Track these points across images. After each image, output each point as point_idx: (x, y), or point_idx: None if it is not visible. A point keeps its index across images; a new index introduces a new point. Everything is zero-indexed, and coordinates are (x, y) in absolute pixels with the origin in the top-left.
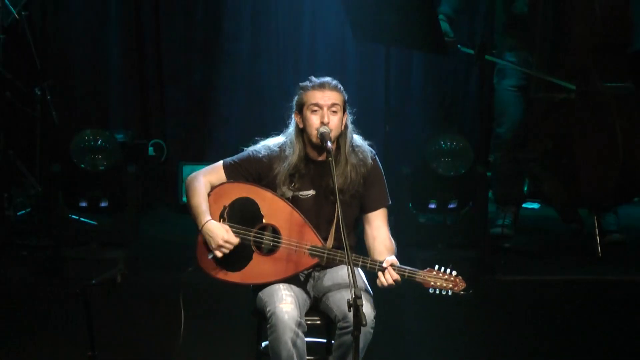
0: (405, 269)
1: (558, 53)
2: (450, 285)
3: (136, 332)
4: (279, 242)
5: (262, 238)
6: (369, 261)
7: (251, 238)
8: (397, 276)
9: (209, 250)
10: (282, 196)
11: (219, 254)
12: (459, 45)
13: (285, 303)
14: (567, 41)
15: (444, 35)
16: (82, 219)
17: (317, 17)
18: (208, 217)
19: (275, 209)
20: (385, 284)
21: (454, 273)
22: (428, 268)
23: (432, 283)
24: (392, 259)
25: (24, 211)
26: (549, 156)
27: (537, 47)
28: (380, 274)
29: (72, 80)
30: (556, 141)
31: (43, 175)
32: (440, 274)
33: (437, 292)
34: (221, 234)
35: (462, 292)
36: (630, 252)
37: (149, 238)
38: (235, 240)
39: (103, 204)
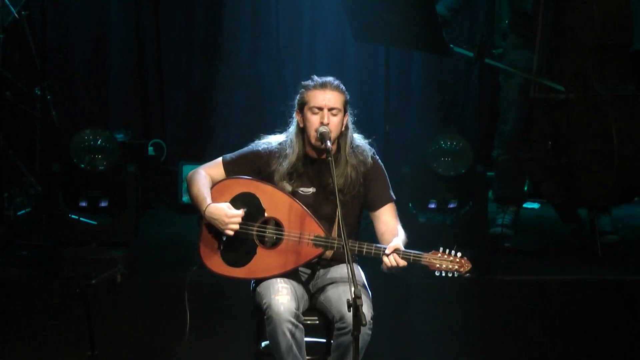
0: (410, 252)
1: (557, 54)
2: (456, 267)
3: (136, 332)
4: (281, 235)
5: (265, 232)
6: (373, 248)
7: (254, 232)
8: (401, 261)
9: (217, 236)
10: (283, 190)
11: (230, 232)
12: (451, 45)
13: (281, 295)
14: (566, 41)
15: None
16: (82, 219)
17: (317, 17)
18: (209, 201)
19: (276, 202)
20: (389, 264)
21: (459, 254)
22: (433, 250)
23: (438, 265)
24: (396, 244)
25: (24, 211)
26: (548, 156)
27: (538, 48)
28: (384, 258)
29: (72, 80)
30: (555, 141)
31: (43, 175)
32: (446, 256)
33: (443, 274)
34: (223, 212)
35: (467, 274)
36: (630, 252)
37: (149, 238)
38: (239, 212)
39: (103, 204)
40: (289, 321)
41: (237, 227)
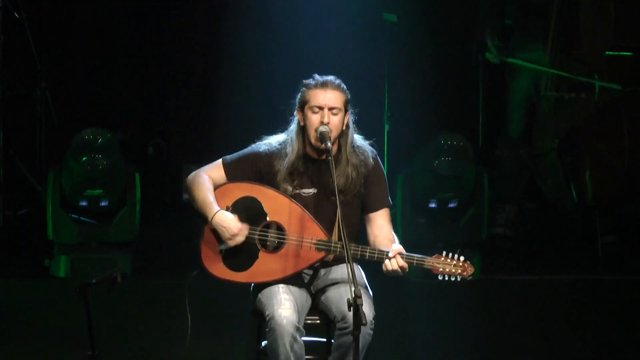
0: (414, 256)
1: (570, 53)
2: (459, 271)
3: (136, 332)
4: (284, 239)
5: (267, 236)
6: (376, 251)
7: (256, 236)
8: (403, 263)
9: (219, 242)
10: (285, 193)
11: (231, 243)
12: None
13: (284, 308)
14: (581, 42)
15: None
16: (82, 218)
17: (317, 16)
18: (217, 208)
19: (278, 206)
20: (390, 268)
21: (462, 258)
22: (436, 254)
23: (441, 269)
24: (399, 247)
25: (23, 211)
26: (554, 154)
27: (550, 46)
28: (387, 261)
29: (72, 80)
30: (561, 140)
31: (43, 175)
32: (449, 260)
33: (447, 278)
34: (235, 224)
35: (470, 277)
36: (629, 252)
37: (149, 238)
38: (247, 229)
39: (103, 204)
40: (291, 335)
41: (242, 239)
